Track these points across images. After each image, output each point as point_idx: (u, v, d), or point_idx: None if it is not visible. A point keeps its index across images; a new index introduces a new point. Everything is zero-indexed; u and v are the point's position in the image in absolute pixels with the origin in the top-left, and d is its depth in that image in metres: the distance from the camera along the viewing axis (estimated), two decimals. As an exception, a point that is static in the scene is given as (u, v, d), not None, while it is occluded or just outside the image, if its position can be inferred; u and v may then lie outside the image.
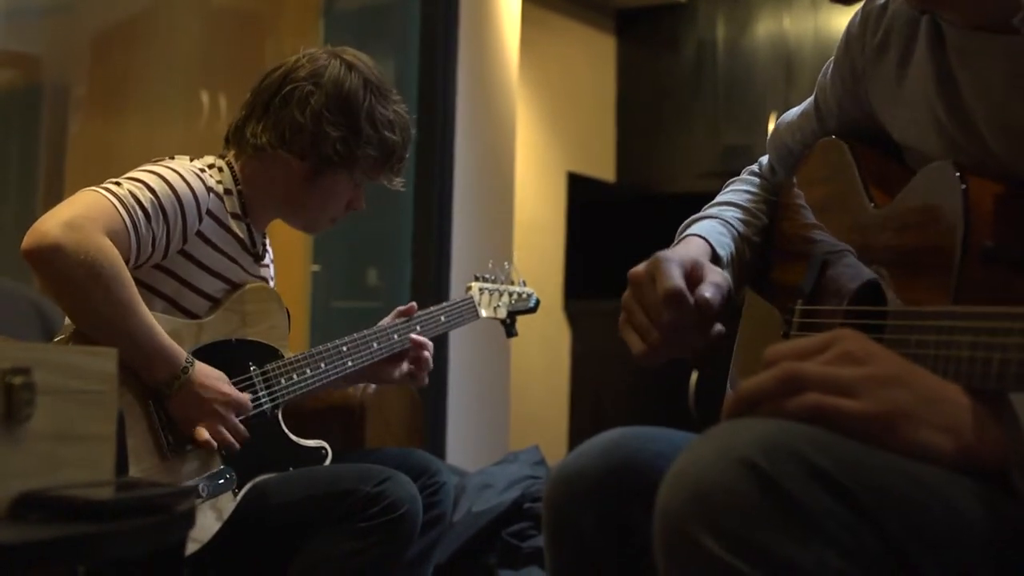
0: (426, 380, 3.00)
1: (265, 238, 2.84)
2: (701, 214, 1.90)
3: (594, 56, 7.39)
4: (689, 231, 1.82)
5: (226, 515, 2.49)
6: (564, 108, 7.13)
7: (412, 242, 5.46)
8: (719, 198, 1.97)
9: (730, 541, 1.06)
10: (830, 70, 1.85)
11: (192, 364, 2.45)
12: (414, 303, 2.99)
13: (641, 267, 1.62)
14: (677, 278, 1.56)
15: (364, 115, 2.69)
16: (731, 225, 1.87)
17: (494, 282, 3.25)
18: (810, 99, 1.93)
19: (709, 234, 1.80)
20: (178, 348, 2.44)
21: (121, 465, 1.72)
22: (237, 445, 2.51)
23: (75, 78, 5.73)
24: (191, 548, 2.37)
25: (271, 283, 2.86)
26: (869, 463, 1.13)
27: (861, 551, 1.07)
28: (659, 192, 7.03)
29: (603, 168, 7.31)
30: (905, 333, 1.34)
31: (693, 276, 1.60)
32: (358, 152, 2.69)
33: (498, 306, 3.24)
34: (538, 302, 3.37)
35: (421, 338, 2.93)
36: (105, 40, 5.73)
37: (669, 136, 7.09)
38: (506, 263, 3.33)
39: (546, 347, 6.81)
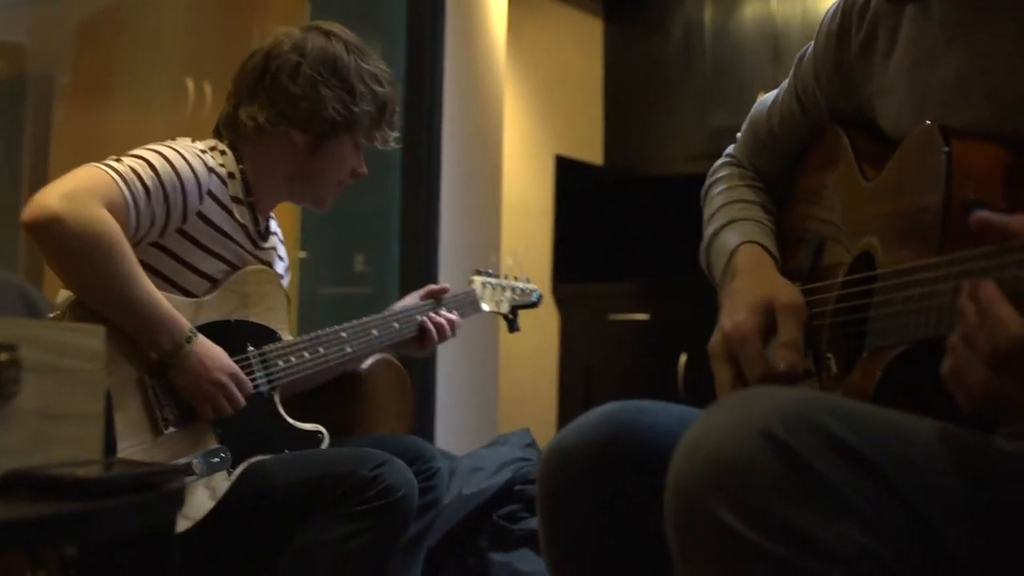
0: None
1: (270, 221, 2.85)
2: (726, 220, 1.88)
3: (582, 39, 7.36)
4: (732, 241, 1.81)
5: (220, 494, 2.49)
6: (552, 91, 7.11)
7: (400, 228, 5.45)
8: (729, 196, 1.94)
9: (749, 515, 1.04)
10: (806, 62, 1.84)
11: (195, 334, 2.46)
12: (447, 284, 3.01)
13: (717, 343, 1.60)
14: (759, 366, 1.55)
15: (354, 74, 2.72)
16: (762, 224, 1.85)
17: (496, 276, 3.25)
18: (786, 91, 1.91)
19: (758, 239, 1.79)
20: (181, 318, 2.45)
21: (109, 444, 1.71)
22: (230, 410, 2.52)
23: (61, 67, 5.72)
24: (183, 525, 2.37)
25: (281, 265, 2.87)
26: (890, 433, 1.13)
27: (884, 525, 1.06)
28: (647, 174, 7.01)
29: (591, 151, 7.29)
30: (892, 292, 1.34)
31: (768, 331, 1.59)
32: (356, 110, 2.72)
33: (501, 300, 3.26)
34: (540, 297, 3.38)
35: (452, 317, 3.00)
36: (91, 29, 5.72)
37: (657, 118, 7.07)
38: (508, 259, 3.34)
39: (535, 330, 6.79)
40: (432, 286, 3.03)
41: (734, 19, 6.81)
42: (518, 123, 6.73)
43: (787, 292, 1.63)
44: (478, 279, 3.21)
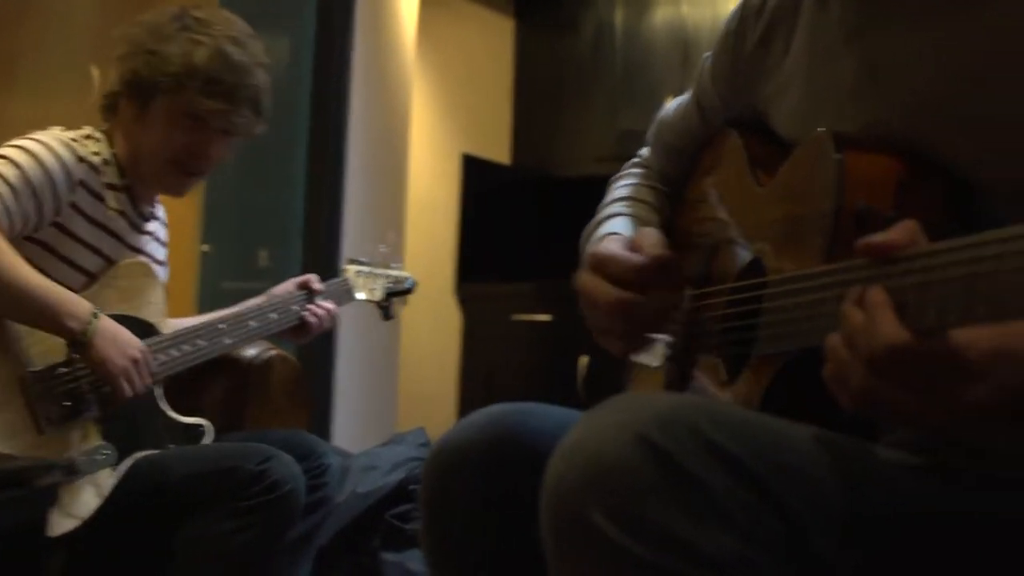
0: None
1: (154, 207, 2.81)
2: (608, 212, 1.87)
3: (492, 38, 7.37)
4: (604, 230, 1.80)
5: (106, 491, 2.44)
6: (461, 90, 7.11)
7: (303, 223, 5.42)
8: (617, 193, 1.94)
9: (625, 521, 1.03)
10: (707, 65, 1.83)
11: (99, 312, 2.44)
12: (311, 275, 2.98)
13: (585, 275, 1.60)
14: (629, 261, 1.54)
15: (166, 39, 2.66)
16: (644, 222, 1.85)
17: (370, 264, 3.23)
18: (689, 95, 1.91)
19: (626, 230, 1.78)
20: (80, 298, 2.43)
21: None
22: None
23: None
24: (69, 525, 2.33)
25: (160, 251, 2.85)
26: (770, 440, 1.12)
27: (760, 531, 1.05)
28: (555, 175, 7.03)
29: (499, 150, 7.30)
30: (781, 299, 1.34)
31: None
32: (160, 73, 2.64)
33: (374, 288, 3.22)
34: (414, 284, 3.36)
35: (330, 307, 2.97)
36: (-7, 15, 5.64)
37: (566, 119, 7.09)
38: (382, 246, 3.32)
39: (437, 329, 6.80)
40: (306, 276, 2.99)
41: (645, 22, 6.85)
42: (426, 121, 6.73)
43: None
44: (351, 267, 3.19)
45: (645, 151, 2.05)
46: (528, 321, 6.54)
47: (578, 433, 1.10)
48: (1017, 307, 0.92)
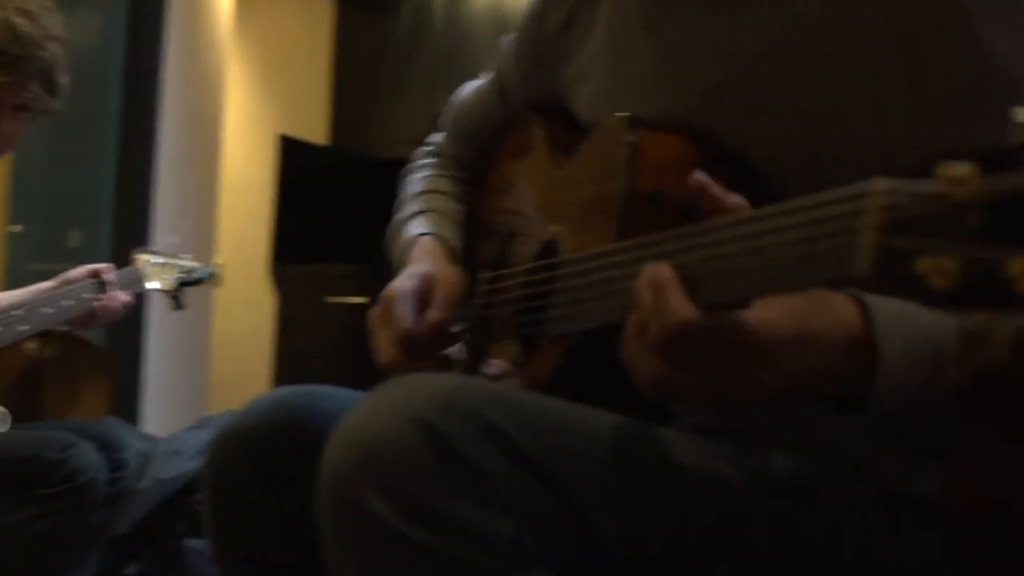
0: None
1: None
2: (410, 211, 1.88)
3: (310, 17, 7.31)
4: (409, 232, 1.81)
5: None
6: (279, 70, 7.04)
7: (113, 204, 5.33)
8: (415, 187, 1.94)
9: (399, 503, 1.02)
10: (511, 47, 1.84)
11: None
12: (104, 265, 2.93)
13: (378, 308, 1.60)
14: (409, 319, 1.56)
15: None
16: (447, 216, 1.86)
17: (162, 254, 3.19)
18: (488, 77, 1.91)
19: (439, 230, 1.80)
20: None
21: None
22: None
23: None
24: None
25: None
26: (551, 422, 1.12)
27: (536, 514, 1.05)
28: (372, 157, 7.00)
29: (317, 131, 7.25)
30: (572, 279, 1.35)
31: (425, 301, 1.59)
32: None
33: (167, 278, 3.19)
34: (209, 275, 3.33)
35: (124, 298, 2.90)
36: None
37: (384, 101, 7.06)
38: (173, 236, 3.29)
39: (251, 310, 6.73)
40: (98, 265, 2.94)
41: (464, 4, 6.84)
42: (241, 101, 6.66)
43: (451, 271, 1.65)
44: (143, 257, 3.15)
45: (437, 137, 2.05)
46: (343, 303, 6.51)
47: (356, 416, 1.09)
48: (788, 281, 0.95)
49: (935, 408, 1.06)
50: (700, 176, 1.07)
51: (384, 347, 1.58)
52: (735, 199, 1.05)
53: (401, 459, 1.04)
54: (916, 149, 0.80)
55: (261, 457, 1.49)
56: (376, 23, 7.20)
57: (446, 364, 1.66)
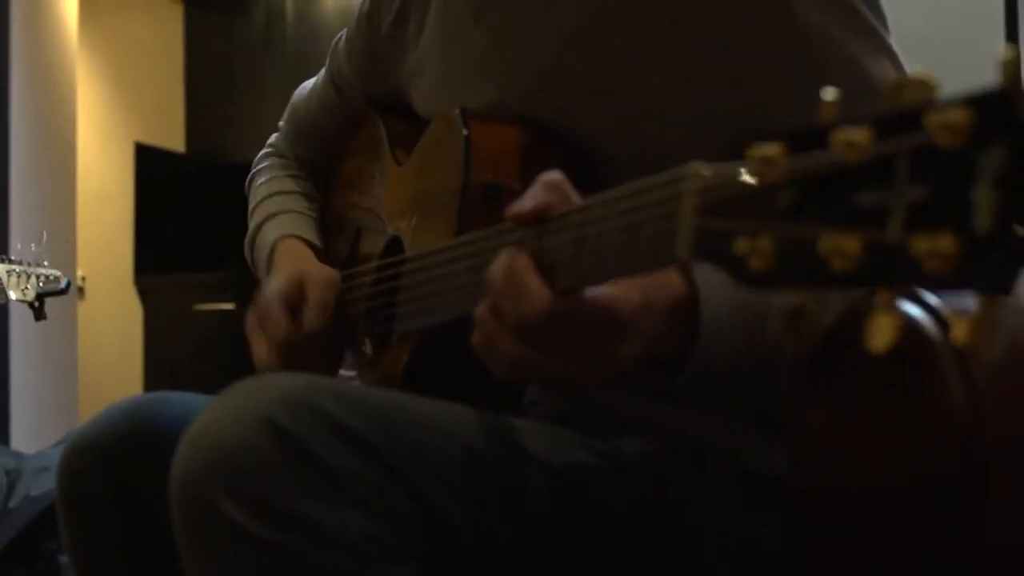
0: None
1: None
2: (264, 215, 1.86)
3: (160, 23, 7.22)
4: (267, 237, 1.80)
5: None
6: (130, 77, 6.95)
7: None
8: (264, 191, 1.92)
9: (251, 505, 1.02)
10: (342, 45, 1.84)
11: None
12: None
13: (252, 316, 1.60)
14: (284, 325, 1.55)
15: None
16: (303, 214, 1.84)
17: (18, 263, 3.13)
18: (323, 76, 1.91)
19: (298, 231, 1.78)
20: None
21: None
22: None
23: None
24: None
25: None
26: (398, 417, 1.13)
27: (388, 509, 1.06)
28: (230, 162, 6.94)
29: (174, 138, 7.17)
30: (416, 275, 1.36)
31: (299, 304, 1.58)
32: None
33: (26, 288, 3.13)
34: (69, 284, 3.27)
35: None
36: None
37: (239, 105, 7.01)
38: (33, 244, 3.22)
39: (117, 323, 6.65)
40: None
41: (315, 7, 6.82)
42: (94, 109, 6.56)
43: (320, 268, 1.65)
44: (1, 267, 3.09)
45: (276, 139, 2.04)
46: (211, 311, 6.45)
47: (204, 419, 1.09)
48: (618, 268, 0.96)
49: (761, 376, 1.10)
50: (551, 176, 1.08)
51: (262, 355, 1.58)
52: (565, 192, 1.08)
53: (249, 460, 1.04)
54: (734, 125, 0.81)
55: (110, 465, 1.47)
56: (227, 26, 7.14)
57: (334, 365, 1.65)
